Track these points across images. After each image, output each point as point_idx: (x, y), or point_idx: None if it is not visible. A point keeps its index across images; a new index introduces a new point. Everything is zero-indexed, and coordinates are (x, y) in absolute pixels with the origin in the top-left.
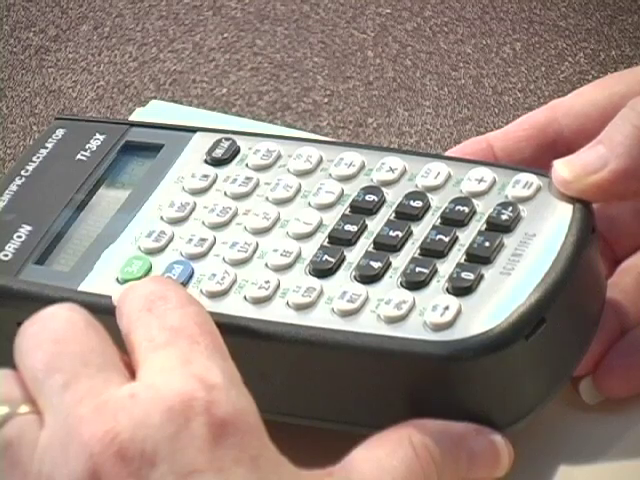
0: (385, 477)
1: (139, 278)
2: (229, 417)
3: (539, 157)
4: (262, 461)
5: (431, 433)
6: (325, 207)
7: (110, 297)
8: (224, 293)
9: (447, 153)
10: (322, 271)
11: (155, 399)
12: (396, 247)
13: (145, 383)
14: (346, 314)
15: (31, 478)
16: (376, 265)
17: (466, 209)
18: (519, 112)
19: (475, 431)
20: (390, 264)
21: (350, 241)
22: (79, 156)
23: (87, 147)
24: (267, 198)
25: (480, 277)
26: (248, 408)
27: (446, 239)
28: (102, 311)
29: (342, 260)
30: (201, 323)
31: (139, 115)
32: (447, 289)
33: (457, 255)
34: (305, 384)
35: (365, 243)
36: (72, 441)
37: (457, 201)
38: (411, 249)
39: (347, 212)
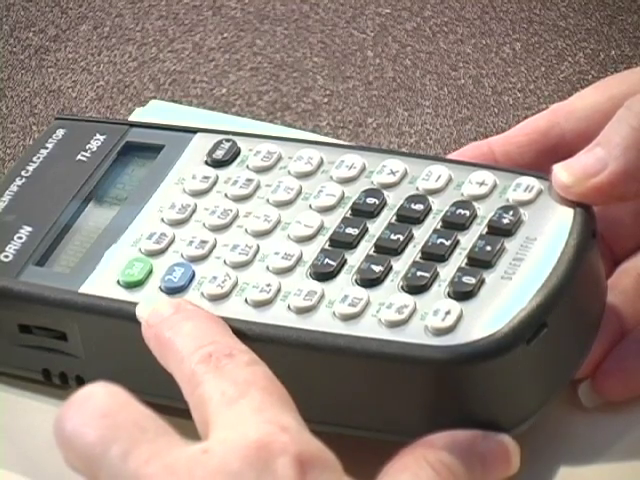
0: None
1: (140, 280)
2: (308, 454)
3: (541, 162)
4: None
5: (442, 448)
6: (326, 210)
7: (111, 299)
8: (225, 296)
9: (447, 157)
10: (323, 274)
11: (231, 450)
12: (397, 250)
13: (217, 439)
14: (347, 318)
15: None
16: (377, 269)
17: (467, 212)
18: (519, 112)
19: (482, 436)
20: (391, 268)
21: (351, 244)
22: (79, 156)
23: (87, 147)
24: (268, 200)
25: (481, 281)
26: (322, 446)
27: (447, 243)
28: (103, 313)
29: (343, 263)
30: (270, 379)
31: (139, 115)
32: (448, 293)
33: (458, 259)
34: (306, 388)
35: (366, 246)
36: None
37: (458, 204)
38: (412, 253)
39: (348, 215)
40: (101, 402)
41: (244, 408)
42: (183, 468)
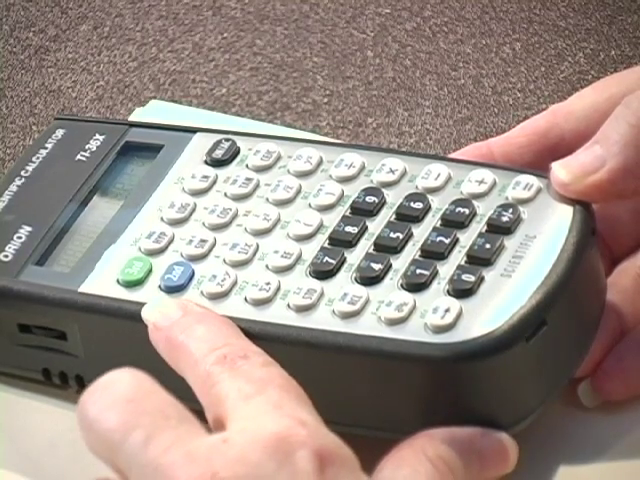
0: None
1: (140, 279)
2: (327, 449)
3: (540, 162)
4: None
5: (441, 443)
6: (325, 208)
7: (111, 298)
8: (225, 295)
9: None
10: (323, 273)
11: (251, 440)
12: (397, 249)
13: (236, 429)
14: (347, 316)
15: None
16: (377, 267)
17: (466, 211)
18: (519, 112)
19: (480, 433)
20: (391, 266)
21: (351, 242)
22: (79, 156)
23: (87, 147)
24: (267, 199)
25: (481, 279)
26: (341, 443)
27: (447, 241)
28: (103, 312)
29: (343, 262)
30: (287, 378)
31: (139, 115)
32: (448, 291)
33: (458, 257)
34: (305, 386)
35: (366, 245)
36: None
37: (457, 203)
38: (412, 251)
39: (347, 213)
40: (126, 387)
41: (262, 403)
42: (203, 457)
